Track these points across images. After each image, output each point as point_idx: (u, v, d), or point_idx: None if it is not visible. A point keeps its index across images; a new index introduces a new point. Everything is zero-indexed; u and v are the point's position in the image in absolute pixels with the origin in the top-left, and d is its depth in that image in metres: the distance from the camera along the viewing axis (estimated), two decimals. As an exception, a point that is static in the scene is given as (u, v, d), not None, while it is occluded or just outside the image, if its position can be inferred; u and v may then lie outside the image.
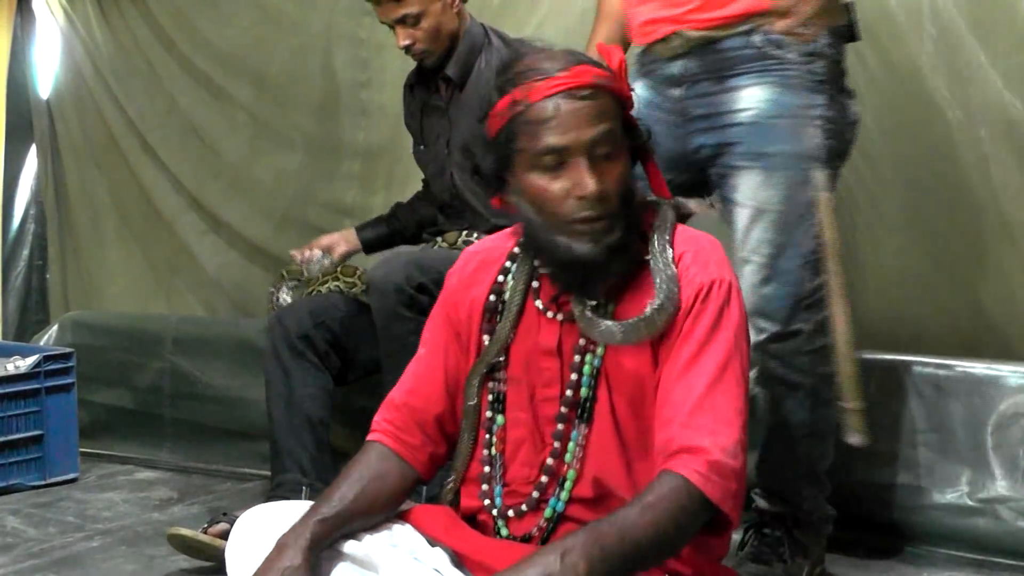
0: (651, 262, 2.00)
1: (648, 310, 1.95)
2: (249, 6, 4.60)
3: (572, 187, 1.93)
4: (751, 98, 2.68)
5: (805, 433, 2.79)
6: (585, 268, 1.96)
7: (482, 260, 2.21)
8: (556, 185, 1.94)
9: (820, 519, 2.88)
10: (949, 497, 3.12)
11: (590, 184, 1.92)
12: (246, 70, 4.64)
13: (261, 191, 4.64)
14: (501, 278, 2.14)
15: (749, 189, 2.69)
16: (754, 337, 2.63)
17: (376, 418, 2.18)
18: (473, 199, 3.44)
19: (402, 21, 3.34)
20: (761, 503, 2.89)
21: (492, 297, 2.14)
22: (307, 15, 4.49)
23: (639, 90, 2.75)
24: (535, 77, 1.95)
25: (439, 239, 3.48)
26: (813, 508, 2.86)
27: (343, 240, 3.71)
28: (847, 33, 2.73)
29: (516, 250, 2.15)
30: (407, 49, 3.39)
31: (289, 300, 3.63)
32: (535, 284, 2.10)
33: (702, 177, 2.84)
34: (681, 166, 2.80)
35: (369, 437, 2.16)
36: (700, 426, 1.92)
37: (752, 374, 2.68)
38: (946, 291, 3.37)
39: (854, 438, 2.65)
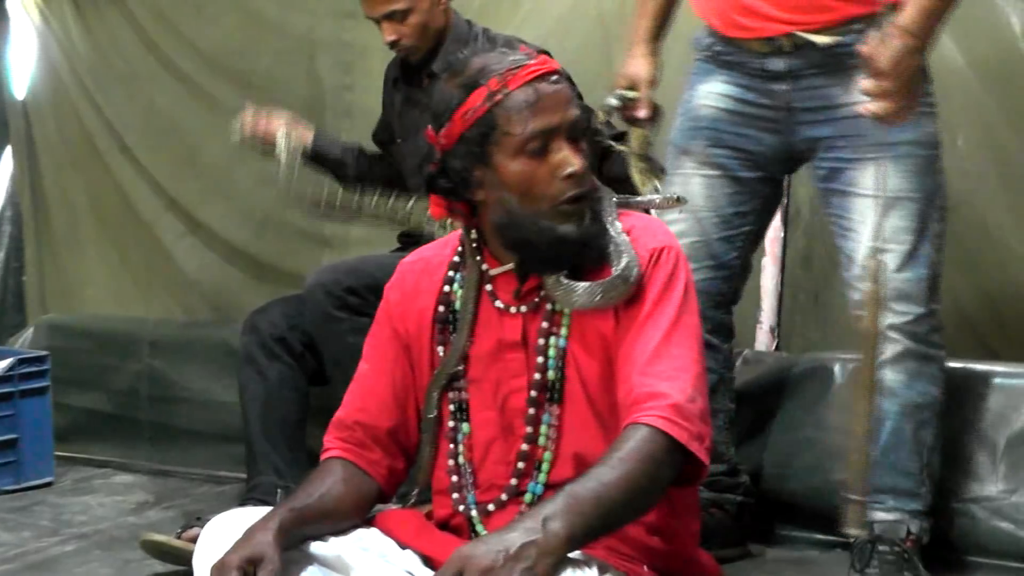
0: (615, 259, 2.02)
1: (618, 269, 1.98)
2: (233, 8, 4.61)
3: (558, 167, 1.96)
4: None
5: (936, 411, 2.84)
6: (570, 248, 1.99)
7: (422, 270, 2.21)
8: (541, 169, 1.97)
9: (926, 528, 2.87)
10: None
11: (576, 162, 1.97)
12: (229, 72, 4.64)
13: (241, 193, 4.64)
14: (447, 288, 2.15)
15: (878, 179, 2.68)
16: (894, 320, 2.72)
17: (328, 438, 2.18)
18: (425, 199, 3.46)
19: (389, 16, 3.34)
20: (879, 514, 2.84)
21: (441, 308, 2.15)
22: (291, 17, 4.50)
23: (715, 83, 2.85)
24: (509, 67, 1.97)
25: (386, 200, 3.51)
26: (927, 505, 2.87)
27: (303, 131, 3.70)
28: None
29: (456, 259, 2.17)
30: (393, 45, 3.40)
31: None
32: (488, 288, 2.11)
33: (794, 169, 2.97)
34: (780, 157, 2.89)
35: (325, 456, 2.15)
36: (658, 373, 1.95)
37: (887, 354, 2.73)
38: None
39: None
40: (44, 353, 4.19)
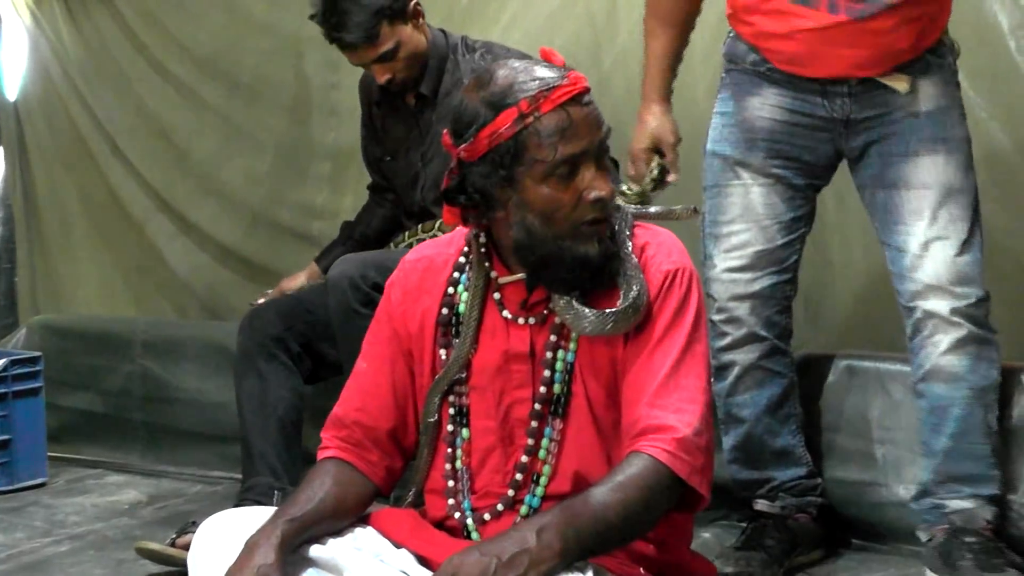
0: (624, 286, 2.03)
1: (630, 299, 1.97)
2: (220, 8, 4.61)
3: (585, 192, 1.95)
4: (927, 90, 2.79)
5: (998, 395, 2.88)
6: (589, 270, 1.97)
7: (425, 269, 2.20)
8: (568, 193, 1.95)
9: (998, 513, 2.88)
10: (915, 492, 3.08)
11: (604, 188, 1.96)
12: (217, 72, 4.65)
13: (231, 193, 4.65)
14: (451, 290, 2.14)
15: (934, 171, 2.78)
16: (956, 304, 2.76)
17: (326, 435, 2.17)
18: (436, 207, 3.45)
19: (380, 59, 3.32)
20: (956, 503, 2.85)
21: (444, 311, 2.14)
22: (278, 17, 4.49)
23: (767, 95, 2.86)
24: (540, 88, 1.93)
25: (418, 228, 3.49)
26: (999, 489, 2.88)
27: (306, 277, 3.73)
28: None
29: (461, 259, 2.16)
30: (390, 83, 3.37)
31: None
32: (496, 296, 2.10)
33: (830, 176, 2.98)
34: (831, 163, 2.94)
35: (323, 455, 2.15)
36: (666, 405, 1.95)
37: (949, 342, 2.77)
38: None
39: None
40: (37, 354, 4.18)
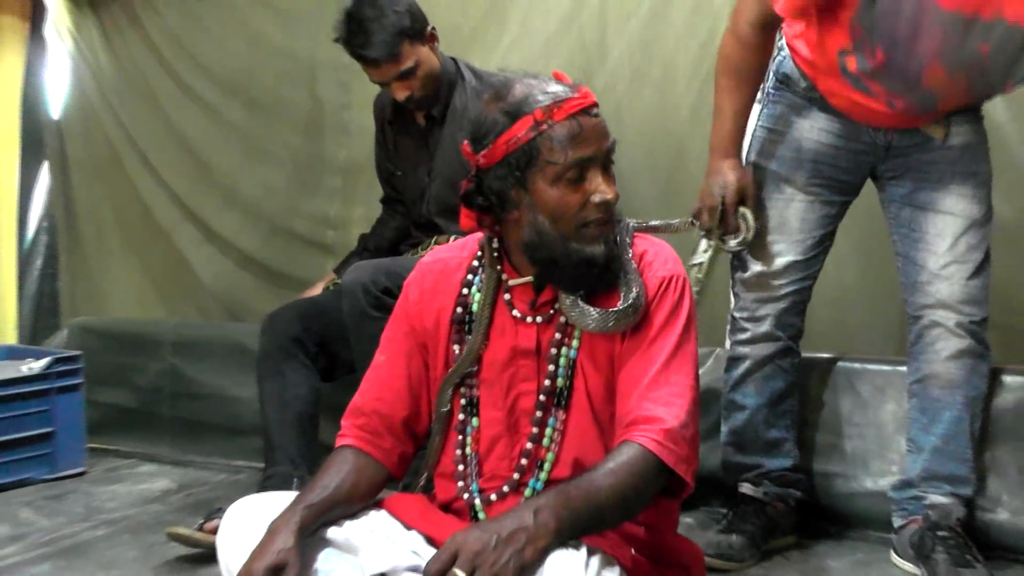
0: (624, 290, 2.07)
1: (630, 299, 2.01)
2: (241, 33, 4.61)
3: (592, 194, 1.99)
4: (960, 127, 2.83)
5: (983, 407, 2.94)
6: (594, 269, 2.01)
7: (440, 271, 2.23)
8: (575, 195, 1.99)
9: (966, 514, 2.92)
10: (882, 484, 3.15)
11: (609, 191, 1.99)
12: (238, 92, 4.65)
13: (251, 204, 4.66)
14: (465, 290, 2.17)
15: (962, 203, 2.83)
16: (962, 319, 2.83)
17: (345, 423, 2.20)
18: (440, 219, 3.50)
19: (400, 77, 3.32)
20: (935, 497, 2.90)
21: (459, 309, 2.17)
22: (294, 42, 4.51)
23: (816, 119, 2.87)
24: (554, 99, 1.98)
25: (432, 241, 3.49)
26: (973, 489, 2.93)
27: (324, 285, 3.75)
28: None
29: (474, 263, 2.19)
30: (408, 100, 3.38)
31: None
32: (507, 297, 2.13)
33: (859, 192, 3.00)
34: (863, 182, 2.97)
35: (341, 442, 2.17)
36: (656, 399, 1.99)
37: (949, 351, 2.84)
38: (879, 299, 3.42)
39: None
40: (77, 353, 4.19)
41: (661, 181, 3.55)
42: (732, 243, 2.92)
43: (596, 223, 2.00)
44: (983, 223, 2.85)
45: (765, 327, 3.01)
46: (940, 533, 2.81)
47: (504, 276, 2.13)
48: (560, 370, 2.09)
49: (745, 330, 3.04)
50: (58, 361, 4.10)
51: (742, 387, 3.08)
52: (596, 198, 1.99)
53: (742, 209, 2.90)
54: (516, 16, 4.07)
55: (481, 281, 2.16)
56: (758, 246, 2.96)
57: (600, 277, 2.04)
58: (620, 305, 2.02)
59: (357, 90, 4.35)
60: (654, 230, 2.62)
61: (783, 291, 2.98)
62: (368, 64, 3.33)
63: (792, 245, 2.96)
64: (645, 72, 3.81)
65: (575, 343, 2.09)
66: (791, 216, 2.95)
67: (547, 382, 2.09)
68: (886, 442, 3.21)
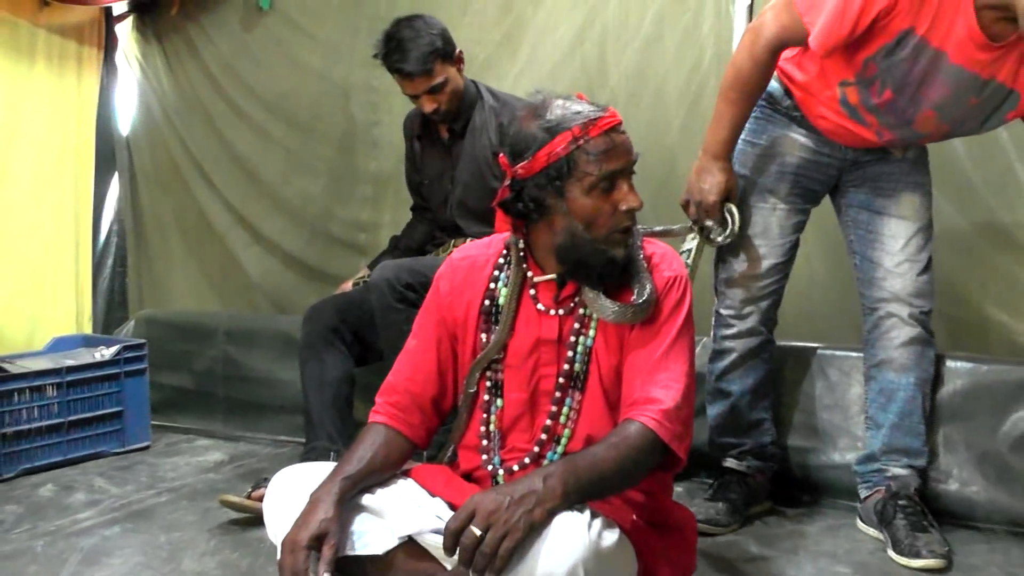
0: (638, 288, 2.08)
1: (645, 296, 2.03)
2: (284, 61, 4.61)
3: (620, 203, 1.99)
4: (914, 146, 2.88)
5: (932, 387, 2.95)
6: (617, 268, 2.03)
7: (469, 267, 2.22)
8: (606, 203, 1.99)
9: (922, 484, 2.94)
10: (847, 458, 3.16)
11: (635, 200, 2.00)
12: (281, 111, 4.65)
13: (293, 210, 4.66)
14: (492, 285, 2.17)
15: (911, 208, 2.87)
16: (913, 311, 2.86)
17: (379, 400, 2.20)
18: (461, 221, 3.51)
19: (430, 91, 3.32)
20: (894, 470, 2.91)
21: (487, 302, 2.17)
22: (330, 68, 4.51)
23: (795, 134, 2.89)
24: (589, 117, 1.97)
25: (452, 242, 3.51)
26: (927, 461, 2.95)
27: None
28: None
29: (501, 260, 2.19)
30: (434, 112, 3.37)
31: None
32: (532, 292, 2.13)
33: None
34: (825, 193, 2.99)
35: (374, 419, 2.17)
36: (656, 383, 2.00)
37: (902, 339, 2.87)
38: (845, 292, 3.39)
39: None
40: (142, 341, 4.20)
41: (653, 190, 3.53)
42: (719, 238, 2.91)
43: (623, 229, 2.01)
44: (928, 227, 2.88)
45: (750, 323, 3.02)
46: (900, 502, 2.82)
47: (529, 273, 2.14)
48: (578, 356, 2.10)
49: (732, 326, 3.03)
50: (126, 348, 4.11)
51: (727, 377, 3.08)
52: (624, 206, 2.00)
53: (728, 205, 2.89)
54: (526, 46, 4.06)
55: (507, 277, 2.16)
56: (743, 251, 2.96)
57: (619, 275, 2.05)
58: (636, 300, 2.03)
59: (385, 110, 4.37)
60: (658, 235, 2.63)
61: (766, 290, 2.99)
62: (404, 77, 3.32)
63: (773, 249, 2.97)
64: (640, 94, 3.80)
65: (591, 332, 2.10)
66: (773, 223, 2.96)
67: (566, 367, 2.10)
68: (852, 420, 3.21)
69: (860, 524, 2.96)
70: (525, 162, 2.00)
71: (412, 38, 3.26)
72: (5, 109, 4.50)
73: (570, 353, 2.09)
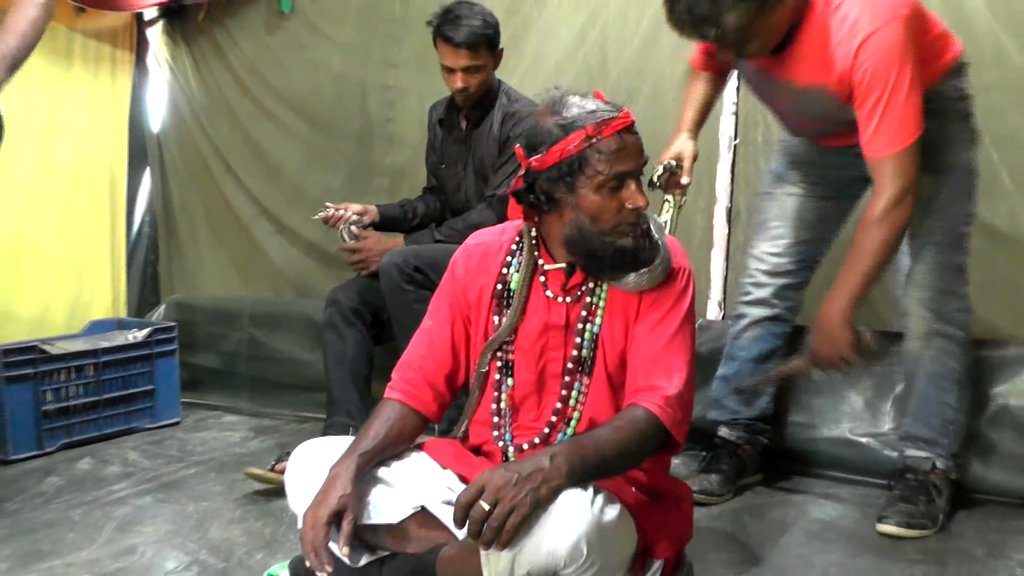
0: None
1: (657, 261, 2.00)
2: (305, 62, 4.57)
3: (627, 201, 1.94)
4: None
5: (955, 379, 2.78)
6: (627, 256, 1.97)
7: (483, 252, 2.19)
8: (613, 201, 1.94)
9: (952, 466, 2.83)
10: (835, 433, 3.14)
11: (641, 201, 1.95)
12: (302, 109, 4.61)
13: (314, 202, 4.59)
14: (505, 270, 2.14)
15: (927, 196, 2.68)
16: (934, 307, 2.69)
17: (395, 377, 2.17)
18: (474, 202, 3.49)
19: (467, 69, 3.28)
20: (910, 452, 2.83)
21: (499, 286, 2.14)
22: (348, 68, 4.46)
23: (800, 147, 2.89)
24: (603, 117, 1.92)
25: None
26: (951, 452, 2.82)
27: (368, 211, 3.64)
28: None
29: (513, 247, 2.16)
30: (461, 91, 3.33)
31: (347, 238, 3.58)
32: (542, 279, 2.10)
33: (858, 188, 2.83)
34: (854, 183, 2.79)
35: (389, 395, 2.15)
36: (659, 370, 1.97)
37: (920, 332, 2.72)
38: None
39: None
40: (173, 324, 4.20)
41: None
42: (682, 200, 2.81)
43: (627, 224, 1.96)
44: (957, 212, 2.72)
45: (763, 294, 2.99)
46: (907, 476, 2.78)
47: (540, 261, 2.10)
48: (585, 343, 2.06)
49: (748, 293, 3.02)
50: (157, 331, 4.11)
51: (739, 340, 3.05)
52: (630, 204, 1.94)
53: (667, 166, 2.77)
54: (531, 46, 4.02)
55: (519, 263, 2.13)
56: (767, 230, 2.97)
57: (632, 265, 1.99)
58: (648, 268, 1.99)
59: (400, 107, 4.33)
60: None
61: (784, 268, 2.96)
62: (450, 46, 3.27)
63: (790, 231, 2.93)
64: (638, 90, 3.77)
65: (598, 320, 2.06)
66: (789, 207, 2.92)
67: (574, 352, 2.07)
68: (839, 398, 3.17)
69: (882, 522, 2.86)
70: (539, 156, 1.95)
71: (468, 16, 3.25)
72: (45, 108, 4.50)
73: (578, 340, 2.06)
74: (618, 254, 1.97)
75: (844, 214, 2.93)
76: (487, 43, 3.28)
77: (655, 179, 2.72)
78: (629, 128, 1.94)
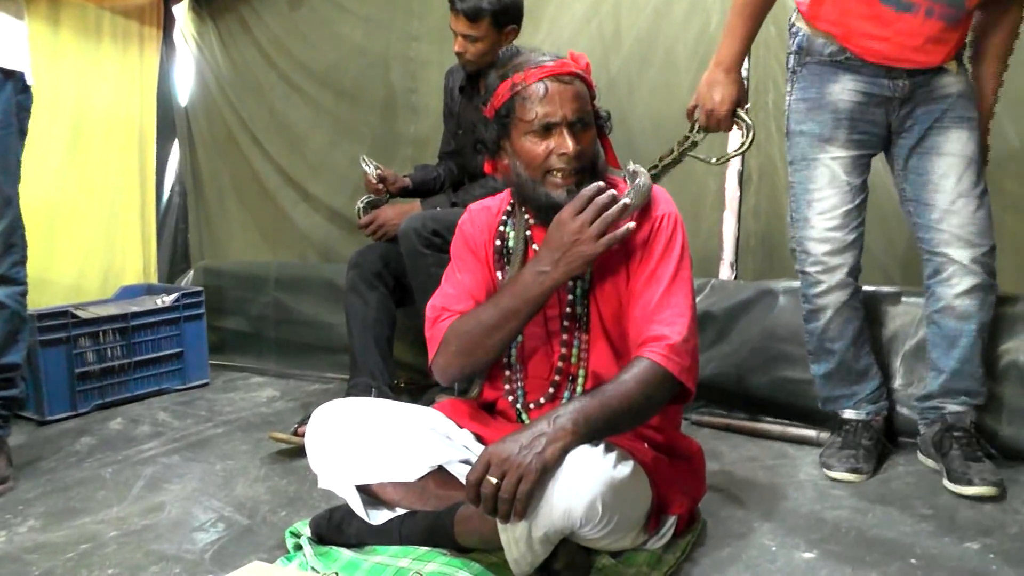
0: (629, 181, 2.00)
1: (638, 182, 1.97)
2: (330, 36, 4.49)
3: (555, 147, 1.90)
4: (951, 75, 2.59)
5: (989, 330, 2.68)
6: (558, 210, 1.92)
7: (484, 213, 2.17)
8: (542, 147, 1.91)
9: (975, 416, 2.72)
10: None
11: (569, 144, 1.89)
12: (327, 82, 4.54)
13: (338, 171, 4.57)
14: (501, 228, 2.11)
15: (959, 144, 2.57)
16: (975, 253, 2.57)
17: (443, 311, 2.06)
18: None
19: (465, 36, 3.24)
20: (952, 407, 2.69)
21: (498, 242, 2.10)
22: (372, 41, 4.38)
23: (845, 81, 2.60)
24: (529, 65, 1.91)
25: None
26: (982, 402, 2.72)
27: (398, 177, 3.60)
28: None
29: (508, 208, 2.13)
30: (459, 54, 3.30)
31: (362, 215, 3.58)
32: (528, 233, 2.06)
33: (882, 146, 2.71)
34: (886, 132, 2.66)
35: (446, 322, 2.04)
36: (661, 320, 1.90)
37: (964, 286, 2.59)
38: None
39: None
40: (200, 289, 4.18)
41: (665, 144, 3.36)
42: (733, 148, 2.70)
43: (559, 172, 1.91)
44: (978, 160, 2.60)
45: (839, 276, 2.70)
46: (955, 434, 2.64)
47: (526, 217, 2.06)
48: (578, 299, 2.01)
49: (820, 282, 2.72)
50: (185, 296, 4.07)
51: (828, 333, 2.77)
52: (558, 151, 1.90)
53: (739, 112, 2.64)
54: (547, 17, 3.93)
55: (513, 222, 2.10)
56: (817, 204, 2.68)
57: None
58: (630, 189, 1.96)
59: (422, 79, 4.26)
60: (664, 167, 2.60)
61: (847, 240, 2.68)
62: (453, 10, 3.25)
63: (845, 196, 2.66)
64: (651, 58, 3.68)
65: (587, 276, 2.01)
66: (839, 171, 2.65)
67: (568, 309, 2.01)
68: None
69: (920, 456, 2.77)
70: (486, 107, 1.98)
71: None
72: (76, 83, 4.44)
73: (570, 296, 2.01)
74: (552, 209, 1.92)
75: (869, 165, 2.75)
76: (492, 19, 3.21)
77: (700, 124, 2.65)
78: (559, 76, 1.90)
